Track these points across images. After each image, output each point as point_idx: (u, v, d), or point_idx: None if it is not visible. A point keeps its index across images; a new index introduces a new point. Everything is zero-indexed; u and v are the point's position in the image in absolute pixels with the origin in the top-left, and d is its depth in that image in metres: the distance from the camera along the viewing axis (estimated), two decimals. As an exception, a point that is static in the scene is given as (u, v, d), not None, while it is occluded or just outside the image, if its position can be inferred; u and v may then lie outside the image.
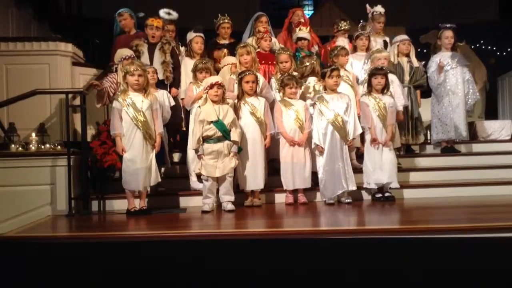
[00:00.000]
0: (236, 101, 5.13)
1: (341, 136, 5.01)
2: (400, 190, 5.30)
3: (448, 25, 6.48)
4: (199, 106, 4.83)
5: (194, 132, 4.83)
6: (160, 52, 5.75)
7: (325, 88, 5.18)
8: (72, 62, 6.06)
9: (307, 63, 5.52)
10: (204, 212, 4.73)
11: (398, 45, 6.28)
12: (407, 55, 6.27)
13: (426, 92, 6.70)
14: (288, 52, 5.55)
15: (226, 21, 6.34)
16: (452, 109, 6.35)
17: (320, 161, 5.06)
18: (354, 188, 5.08)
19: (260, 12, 6.83)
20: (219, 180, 4.80)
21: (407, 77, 6.20)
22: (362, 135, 5.43)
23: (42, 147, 5.13)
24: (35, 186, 4.87)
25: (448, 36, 6.43)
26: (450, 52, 6.45)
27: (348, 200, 5.07)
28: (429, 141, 6.80)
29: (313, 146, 5.08)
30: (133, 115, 4.67)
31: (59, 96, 5.64)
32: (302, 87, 5.40)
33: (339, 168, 5.00)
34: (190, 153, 5.25)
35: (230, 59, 5.74)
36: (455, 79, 6.37)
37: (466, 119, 6.49)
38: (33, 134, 5.23)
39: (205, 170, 4.73)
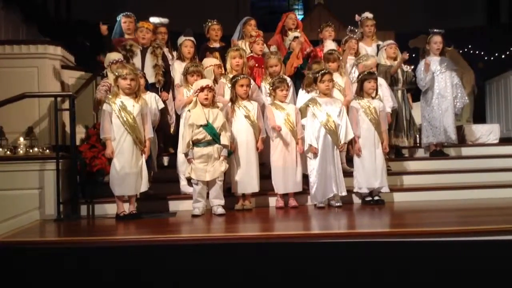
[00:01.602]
0: (229, 104, 5.12)
1: (333, 139, 5.02)
2: (390, 194, 5.32)
3: (436, 30, 6.55)
4: (189, 110, 4.81)
5: (184, 136, 4.81)
6: (152, 56, 5.77)
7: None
8: (61, 65, 6.02)
9: (316, 70, 5.36)
10: (194, 216, 4.71)
11: (385, 49, 6.34)
12: (396, 59, 6.32)
13: (416, 95, 6.75)
14: (277, 56, 5.57)
15: (215, 23, 6.37)
16: (441, 113, 6.41)
17: (312, 164, 5.07)
18: (345, 193, 5.08)
19: (250, 16, 6.88)
20: (209, 184, 4.78)
21: (400, 80, 6.26)
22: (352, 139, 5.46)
23: (31, 151, 5.09)
24: (23, 190, 4.83)
25: (437, 41, 6.50)
26: (439, 57, 6.52)
27: (338, 204, 5.07)
28: (418, 144, 6.84)
29: (305, 147, 5.09)
30: (124, 119, 4.64)
31: (48, 99, 5.60)
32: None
33: (330, 171, 5.00)
34: (180, 156, 5.23)
35: (210, 61, 5.73)
36: (444, 83, 6.44)
37: (455, 123, 6.55)
38: (22, 138, 5.19)
39: (195, 174, 4.72)
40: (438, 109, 6.43)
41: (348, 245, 3.61)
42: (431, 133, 6.46)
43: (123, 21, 6.17)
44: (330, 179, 5.00)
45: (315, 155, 5.02)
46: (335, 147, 5.04)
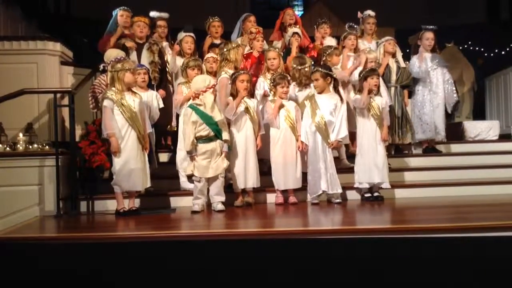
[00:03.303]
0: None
1: (323, 136, 5.02)
2: (390, 190, 5.31)
3: (429, 27, 6.56)
4: (191, 107, 4.75)
5: (187, 134, 4.72)
6: (148, 52, 5.74)
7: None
8: (61, 61, 6.01)
9: (306, 64, 5.37)
10: (194, 212, 4.70)
11: (384, 45, 6.33)
12: (394, 55, 6.32)
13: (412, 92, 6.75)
14: (277, 50, 5.57)
15: (216, 20, 6.35)
16: (432, 109, 6.43)
17: (308, 161, 5.10)
18: (337, 191, 5.05)
19: (249, 12, 6.87)
20: (209, 180, 4.77)
21: (394, 77, 6.25)
22: (353, 135, 5.46)
23: (30, 147, 5.08)
24: (22, 186, 4.83)
25: (429, 37, 6.49)
26: (430, 54, 6.53)
27: (337, 201, 5.08)
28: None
29: (299, 143, 5.10)
30: (127, 114, 4.63)
31: (47, 95, 5.59)
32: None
33: (320, 168, 5.01)
34: (180, 153, 5.22)
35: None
36: (435, 80, 6.48)
37: (445, 120, 6.57)
38: (21, 134, 5.18)
39: (199, 171, 4.68)
40: (429, 105, 6.45)
41: (346, 241, 3.61)
42: (420, 129, 6.46)
43: (120, 14, 6.11)
44: (320, 176, 5.01)
45: (306, 151, 5.05)
46: (326, 144, 5.03)
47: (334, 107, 5.06)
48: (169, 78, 6.04)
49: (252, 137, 5.07)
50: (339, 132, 5.05)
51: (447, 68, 6.61)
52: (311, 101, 5.10)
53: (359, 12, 6.74)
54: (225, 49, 5.51)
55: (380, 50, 6.32)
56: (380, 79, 5.81)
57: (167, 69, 5.95)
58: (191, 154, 4.71)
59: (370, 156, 5.15)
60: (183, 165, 5.21)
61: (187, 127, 4.73)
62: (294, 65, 5.43)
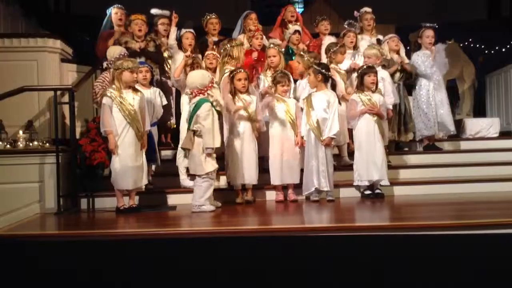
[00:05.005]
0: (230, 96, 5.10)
1: (315, 134, 5.03)
2: (390, 188, 5.32)
3: (429, 25, 6.56)
4: (211, 102, 4.64)
5: (215, 129, 4.63)
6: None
7: None
8: (61, 58, 6.01)
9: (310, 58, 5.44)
10: (212, 211, 4.61)
11: (387, 42, 6.34)
12: (398, 52, 6.33)
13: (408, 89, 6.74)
14: (277, 47, 5.57)
15: (214, 17, 6.35)
16: (435, 105, 6.44)
17: (304, 158, 5.12)
18: (327, 188, 5.04)
19: (249, 10, 6.87)
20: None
21: (397, 74, 6.25)
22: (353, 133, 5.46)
23: (30, 144, 5.09)
24: (23, 183, 4.84)
25: (429, 35, 6.50)
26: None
27: (329, 198, 5.08)
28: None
29: (298, 139, 5.12)
30: (126, 112, 4.63)
31: (47, 93, 5.59)
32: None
33: (312, 166, 5.03)
34: (181, 151, 5.21)
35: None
36: (437, 76, 6.47)
37: (451, 114, 6.57)
38: (21, 132, 5.19)
39: (214, 167, 4.65)
40: (432, 101, 6.45)
41: (345, 239, 3.62)
42: (423, 126, 6.45)
43: (115, 11, 6.11)
44: (312, 173, 5.02)
45: (304, 147, 5.08)
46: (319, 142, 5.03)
47: (327, 103, 5.04)
48: (167, 69, 6.03)
49: (248, 134, 5.06)
50: (331, 128, 5.03)
51: (446, 66, 6.63)
52: (307, 101, 5.11)
53: (355, 11, 6.76)
54: (228, 45, 5.49)
55: (385, 47, 6.32)
56: (388, 76, 5.82)
57: (165, 65, 5.95)
58: (212, 152, 4.63)
59: (369, 153, 5.15)
60: (184, 163, 5.20)
61: (213, 122, 4.61)
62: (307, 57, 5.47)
